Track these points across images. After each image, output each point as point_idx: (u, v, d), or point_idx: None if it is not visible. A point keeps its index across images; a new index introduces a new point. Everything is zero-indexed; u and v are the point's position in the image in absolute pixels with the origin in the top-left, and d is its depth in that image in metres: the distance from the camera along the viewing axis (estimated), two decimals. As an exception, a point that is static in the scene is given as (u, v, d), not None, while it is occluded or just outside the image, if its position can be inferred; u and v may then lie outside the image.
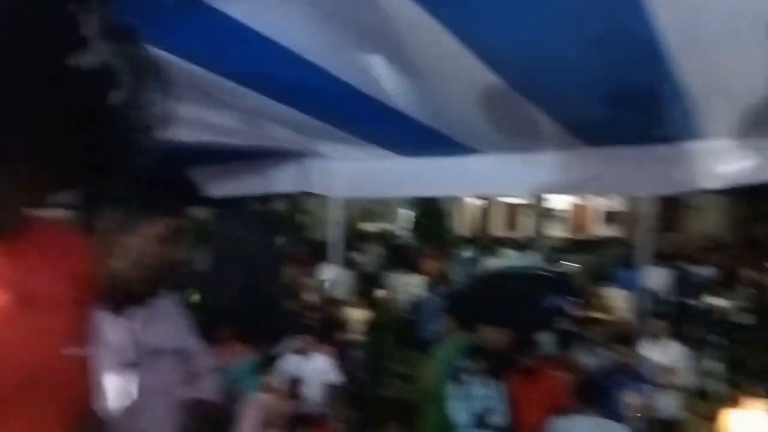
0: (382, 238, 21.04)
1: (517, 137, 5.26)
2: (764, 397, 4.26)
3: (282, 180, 7.05)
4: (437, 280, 14.58)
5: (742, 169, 4.92)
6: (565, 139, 5.13)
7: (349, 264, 11.64)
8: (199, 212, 11.56)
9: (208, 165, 7.21)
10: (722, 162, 4.91)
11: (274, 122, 5.55)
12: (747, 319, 9.34)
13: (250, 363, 5.79)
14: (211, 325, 6.75)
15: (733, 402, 4.68)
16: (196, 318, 2.55)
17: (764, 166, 4.79)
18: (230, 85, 4.43)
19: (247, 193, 7.61)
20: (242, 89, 4.48)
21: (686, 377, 5.86)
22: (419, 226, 20.32)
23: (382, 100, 4.48)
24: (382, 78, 4.09)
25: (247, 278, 9.83)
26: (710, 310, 9.80)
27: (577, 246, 17.72)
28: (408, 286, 14.27)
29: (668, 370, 5.61)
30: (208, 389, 2.38)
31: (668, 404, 5.65)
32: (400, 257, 18.14)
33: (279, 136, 5.84)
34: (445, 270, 14.95)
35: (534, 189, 5.66)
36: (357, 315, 8.32)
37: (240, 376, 5.63)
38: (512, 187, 5.74)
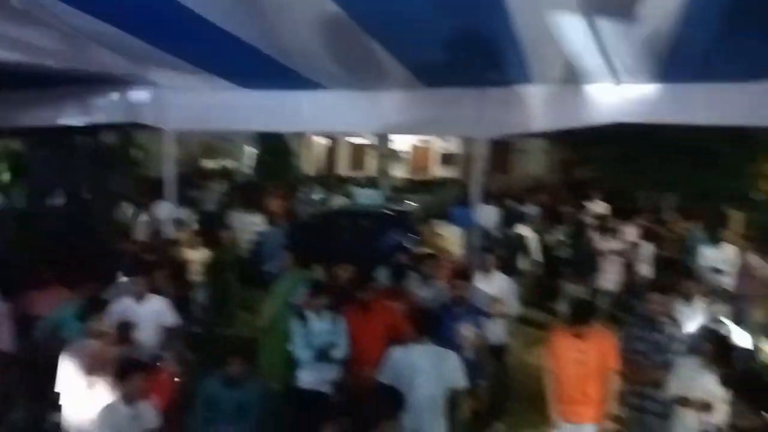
0: (225, 175, 20.32)
1: (361, 75, 5.23)
2: (579, 323, 4.69)
3: (108, 110, 6.44)
4: (281, 219, 14.47)
5: (568, 113, 5.35)
6: (407, 80, 5.20)
7: (188, 202, 11.09)
8: (10, 143, 10.33)
9: (20, 89, 6.37)
10: (551, 106, 5.29)
11: (98, 44, 4.99)
12: (567, 252, 10.36)
13: (75, 307, 5.33)
14: (30, 267, 6.12)
15: (553, 328, 5.09)
16: (13, 261, 2.25)
17: (587, 110, 5.25)
18: (49, 1, 3.90)
19: (68, 124, 6.87)
20: (63, 6, 3.95)
21: (512, 306, 6.37)
22: (263, 164, 19.86)
23: (219, 23, 4.19)
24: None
25: (71, 216, 9.03)
26: (535, 244, 10.79)
27: (417, 186, 18.42)
28: (251, 225, 13.99)
29: (496, 300, 6.06)
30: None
31: (496, 331, 6.13)
32: (244, 195, 17.68)
33: (104, 60, 5.26)
34: (289, 208, 14.85)
35: (376, 127, 5.72)
36: (197, 255, 7.98)
37: (64, 322, 5.19)
38: (355, 124, 5.74)
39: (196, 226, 9.29)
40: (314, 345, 5.05)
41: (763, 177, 14.76)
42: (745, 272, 8.05)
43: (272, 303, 5.79)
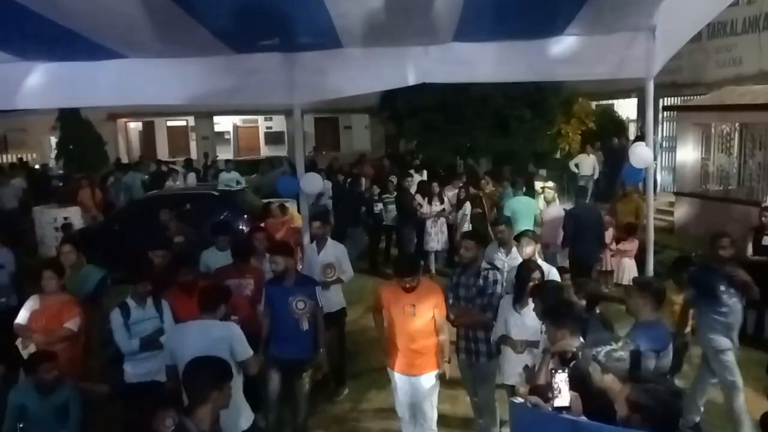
0: (23, 169, 18.20)
1: (162, 41, 4.84)
2: (406, 276, 4.82)
3: None
4: (93, 210, 13.32)
5: (378, 76, 5.44)
6: (213, 46, 4.92)
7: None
8: None
9: None
10: (361, 70, 5.33)
11: None
12: (393, 219, 10.77)
13: None
14: None
15: (388, 287, 5.13)
16: None
17: (395, 72, 5.37)
18: None
19: None
20: None
21: (346, 271, 6.43)
22: (68, 154, 18.05)
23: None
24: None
25: None
26: (364, 212, 11.10)
27: (244, 165, 17.90)
28: (59, 219, 12.71)
29: (329, 266, 6.09)
30: None
31: (333, 298, 6.17)
32: (48, 188, 16.01)
33: None
34: (101, 198, 13.70)
35: (181, 97, 5.32)
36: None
37: None
38: (157, 94, 5.30)
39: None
40: (139, 334, 4.74)
41: (559, 137, 16.44)
42: (549, 219, 8.95)
43: None
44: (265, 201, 11.01)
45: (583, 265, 7.85)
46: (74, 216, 12.84)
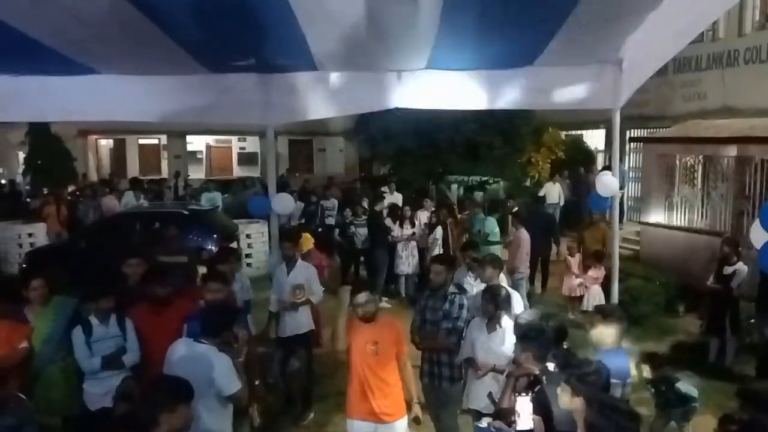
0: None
1: (136, 58, 4.84)
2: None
3: None
4: (60, 227, 13.05)
5: (351, 100, 5.49)
6: (187, 64, 4.93)
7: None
8: None
9: None
10: (334, 93, 5.38)
11: None
12: (364, 242, 10.78)
13: None
14: None
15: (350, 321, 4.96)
16: None
17: (369, 97, 5.44)
18: None
19: None
20: None
21: (315, 293, 6.39)
22: (36, 169, 17.71)
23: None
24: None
25: None
26: (336, 233, 11.11)
27: (216, 186, 17.74)
28: (24, 236, 12.46)
29: (298, 288, 6.04)
30: None
31: (300, 319, 6.11)
32: (14, 205, 15.65)
33: None
34: (68, 215, 13.44)
35: (152, 114, 5.29)
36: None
37: None
38: (129, 111, 5.26)
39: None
40: (101, 352, 4.61)
41: (529, 165, 16.71)
42: (516, 244, 9.07)
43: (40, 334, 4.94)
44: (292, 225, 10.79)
45: (539, 255, 10.16)
46: (39, 233, 12.60)
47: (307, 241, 7.39)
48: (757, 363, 6.79)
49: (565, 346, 4.49)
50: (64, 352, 4.80)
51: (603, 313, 4.28)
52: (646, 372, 5.35)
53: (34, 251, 11.43)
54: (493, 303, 4.60)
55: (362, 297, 4.35)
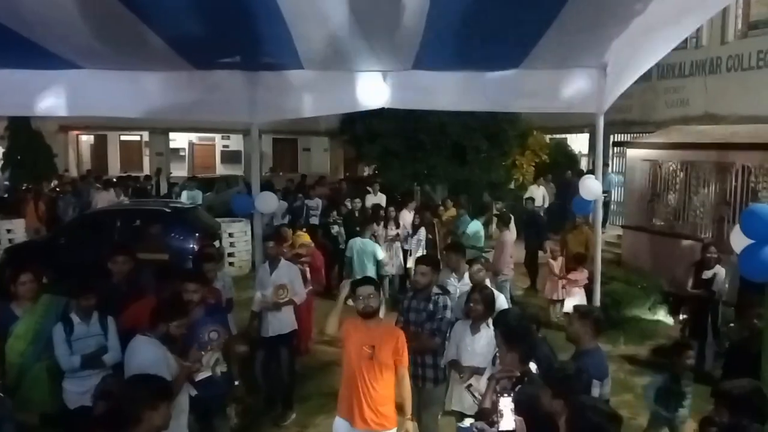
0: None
1: (122, 54, 4.78)
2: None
3: None
4: (39, 223, 12.87)
5: (338, 99, 5.49)
6: (174, 61, 4.88)
7: None
8: None
9: None
10: (321, 92, 5.37)
11: None
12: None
13: None
14: None
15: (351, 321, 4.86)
16: None
17: (355, 96, 5.43)
18: None
19: None
20: None
21: (298, 293, 6.35)
22: (15, 164, 17.45)
23: None
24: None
25: None
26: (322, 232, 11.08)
27: (198, 184, 17.57)
28: (3, 233, 12.27)
29: (281, 288, 6.00)
30: None
31: (285, 319, 6.06)
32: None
33: None
34: (43, 211, 13.25)
35: (137, 110, 5.23)
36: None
37: None
38: (113, 106, 5.21)
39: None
40: (81, 351, 4.54)
41: (514, 168, 16.79)
42: (500, 246, 9.12)
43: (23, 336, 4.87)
44: (276, 225, 10.64)
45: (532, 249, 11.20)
46: (18, 228, 12.42)
47: (303, 239, 7.33)
48: (724, 361, 6.83)
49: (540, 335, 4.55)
50: (51, 351, 4.70)
51: (580, 313, 4.30)
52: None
53: (12, 247, 11.31)
54: (483, 304, 4.62)
55: (366, 289, 4.25)
